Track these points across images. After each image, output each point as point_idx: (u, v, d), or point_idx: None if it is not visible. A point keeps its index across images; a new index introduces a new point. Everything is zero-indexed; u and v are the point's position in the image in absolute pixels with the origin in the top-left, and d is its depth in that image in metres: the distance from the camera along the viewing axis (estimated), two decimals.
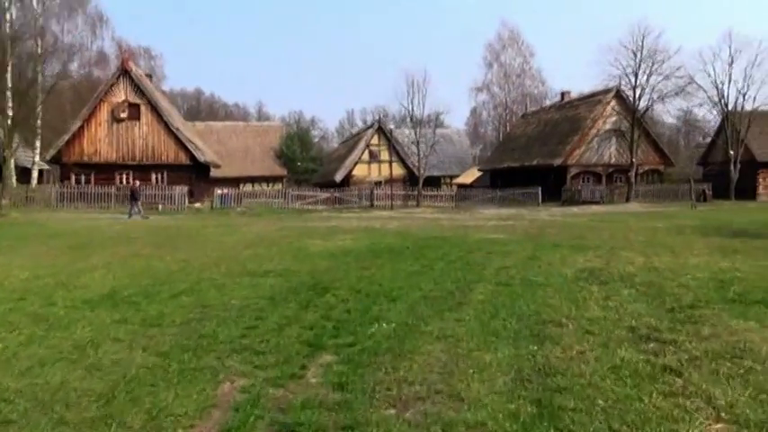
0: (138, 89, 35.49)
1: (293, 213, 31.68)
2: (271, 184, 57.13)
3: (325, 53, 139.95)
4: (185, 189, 33.42)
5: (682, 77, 36.17)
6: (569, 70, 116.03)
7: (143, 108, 35.62)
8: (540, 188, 38.83)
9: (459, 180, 55.34)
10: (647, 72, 36.18)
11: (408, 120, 38.50)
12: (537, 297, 6.91)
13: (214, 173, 53.43)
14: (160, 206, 33.66)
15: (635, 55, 36.58)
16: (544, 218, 25.53)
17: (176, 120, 37.56)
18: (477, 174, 55.38)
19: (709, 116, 45.01)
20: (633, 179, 38.03)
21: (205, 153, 37.63)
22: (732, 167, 39.59)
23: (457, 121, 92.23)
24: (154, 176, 36.14)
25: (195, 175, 37.01)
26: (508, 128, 62.04)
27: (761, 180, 43.24)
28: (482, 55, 65.67)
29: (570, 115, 44.36)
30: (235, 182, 53.29)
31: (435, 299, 7.07)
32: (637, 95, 37.20)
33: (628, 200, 37.57)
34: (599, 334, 5.13)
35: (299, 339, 5.29)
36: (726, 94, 39.88)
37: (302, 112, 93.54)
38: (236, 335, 5.44)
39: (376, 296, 7.31)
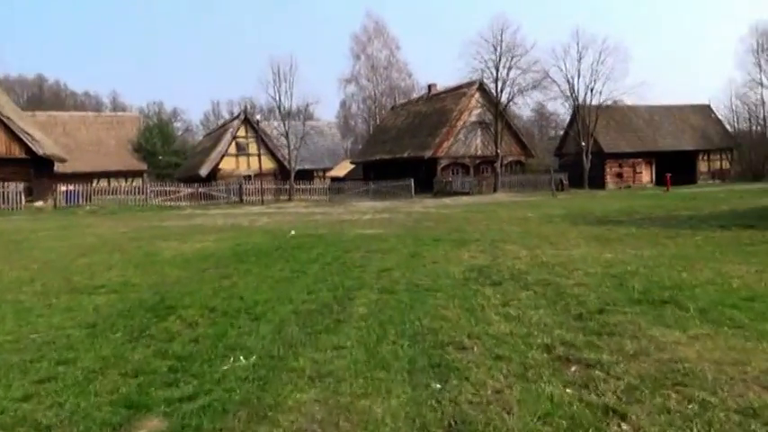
0: None
1: (152, 211, 28.67)
2: (129, 180, 52.37)
3: (187, 39, 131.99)
4: (21, 186, 29.04)
5: (537, 72, 37.81)
6: (435, 65, 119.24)
7: None
8: (412, 180, 38.77)
9: (332, 173, 54.29)
10: (507, 66, 37.36)
11: (276, 111, 36.51)
12: (428, 307, 5.84)
13: (62, 168, 47.64)
14: None
15: (495, 49, 37.66)
16: (419, 210, 25.10)
17: (7, 108, 32.57)
18: (350, 167, 54.68)
19: (561, 109, 47.76)
20: (499, 170, 39.19)
21: (44, 146, 33.05)
22: (585, 158, 42.24)
23: (327, 113, 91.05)
24: None
25: (34, 170, 32.39)
26: (378, 120, 61.95)
27: (608, 170, 46.71)
28: (349, 46, 64.93)
29: (438, 107, 44.88)
30: (86, 177, 47.94)
31: (309, 314, 5.76)
32: (499, 88, 38.30)
33: (495, 190, 38.65)
34: (511, 359, 4.12)
35: (114, 396, 3.72)
36: (576, 88, 42.45)
37: (162, 103, 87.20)
38: (17, 396, 3.74)
39: (235, 315, 5.86)
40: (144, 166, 55.43)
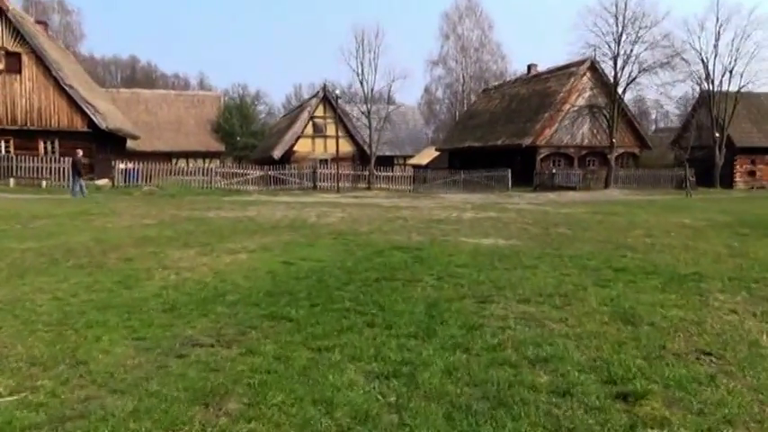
0: (20, 35, 27.29)
1: (214, 195, 24.59)
2: (207, 161, 49.65)
3: (274, 23, 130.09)
4: (72, 160, 25.71)
5: (668, 47, 30.68)
6: (533, 49, 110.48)
7: (25, 59, 27.45)
8: (509, 171, 32.92)
9: (414, 161, 49.08)
10: (631, 39, 30.50)
11: (359, 85, 31.49)
12: None
13: (141, 146, 45.37)
14: (44, 182, 25.95)
15: (616, 19, 30.84)
16: (527, 207, 19.46)
17: (72, 77, 29.49)
18: (434, 154, 49.27)
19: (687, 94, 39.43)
20: (613, 162, 32.56)
21: (111, 119, 29.75)
22: (717, 152, 34.66)
23: (410, 98, 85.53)
24: (42, 145, 28.25)
25: (97, 144, 29.21)
26: (466, 106, 56.06)
27: (738, 167, 38.74)
28: (438, 25, 59.07)
29: (539, 89, 38.52)
30: (165, 156, 45.53)
31: None
32: (618, 66, 31.49)
33: (607, 185, 32.14)
34: None
35: None
36: (711, 69, 34.63)
37: (246, 86, 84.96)
38: None
39: None
40: (222, 147, 52.62)
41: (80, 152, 23.42)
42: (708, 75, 34.62)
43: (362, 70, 31.46)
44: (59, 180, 26.09)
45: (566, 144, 36.28)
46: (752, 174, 39.14)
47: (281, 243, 9.05)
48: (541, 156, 35.91)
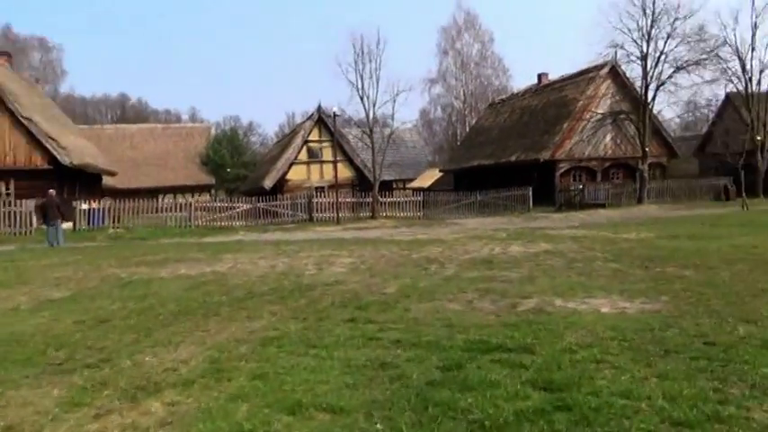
0: None
1: (193, 236, 20.31)
2: (197, 195, 45.63)
3: (265, 55, 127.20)
4: (32, 204, 21.52)
5: (703, 41, 26.76)
6: (539, 61, 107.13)
7: None
8: (530, 189, 28.78)
9: (415, 184, 45.00)
10: (663, 35, 26.60)
11: (358, 100, 27.21)
12: None
13: (125, 183, 41.38)
14: None
15: (644, 12, 26.99)
16: (579, 234, 15.25)
17: (33, 110, 25.41)
18: (436, 175, 45.25)
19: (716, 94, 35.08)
20: (646, 174, 28.41)
21: (74, 154, 25.47)
22: (760, 157, 30.52)
23: (405, 118, 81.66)
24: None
25: (62, 183, 24.96)
26: (467, 124, 52.24)
27: None
28: (436, 41, 55.43)
29: (554, 99, 34.60)
30: (151, 193, 41.42)
31: None
32: (648, 66, 27.51)
33: (640, 201, 28.02)
34: None
35: None
36: (749, 66, 30.62)
37: (239, 117, 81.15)
38: None
39: None
40: (212, 180, 48.63)
41: (53, 192, 18.94)
42: (744, 71, 30.64)
43: (362, 84, 27.31)
44: (17, 227, 21.80)
45: (588, 156, 32.24)
46: None
47: (253, 345, 4.78)
48: (561, 171, 31.83)
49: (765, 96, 30.22)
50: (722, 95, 35.21)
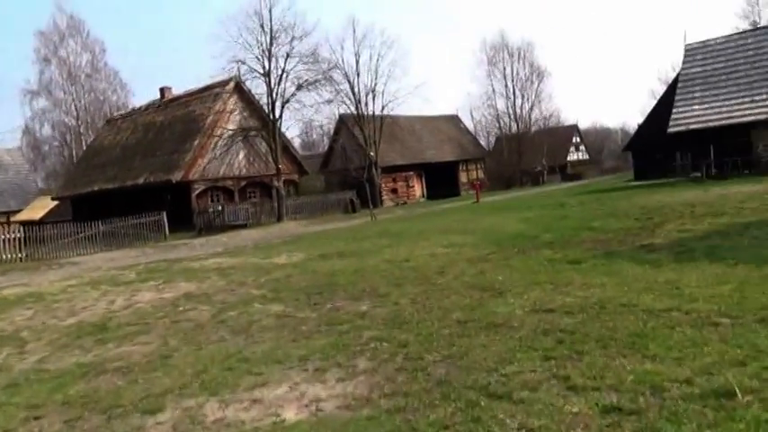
0: None
1: None
2: None
3: None
4: None
5: (319, 63, 28.22)
6: (168, 75, 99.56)
7: None
8: (164, 214, 25.27)
9: (23, 216, 35.95)
10: (284, 53, 26.92)
11: None
12: None
13: None
14: None
15: (263, 30, 26.85)
16: (215, 264, 13.10)
17: None
18: (51, 204, 37.13)
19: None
20: (282, 191, 28.29)
21: None
22: (375, 172, 33.98)
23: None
24: None
25: None
26: (84, 143, 44.78)
27: (384, 185, 39.67)
28: (34, 47, 45.87)
29: (182, 114, 31.85)
30: None
31: None
32: (272, 83, 27.43)
33: (279, 218, 27.75)
34: None
35: None
36: (357, 90, 33.87)
37: None
38: None
39: None
40: None
41: None
42: (354, 94, 33.81)
43: None
44: None
45: (223, 176, 30.62)
46: (394, 191, 40.67)
47: None
48: (197, 191, 29.39)
49: (373, 117, 33.99)
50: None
